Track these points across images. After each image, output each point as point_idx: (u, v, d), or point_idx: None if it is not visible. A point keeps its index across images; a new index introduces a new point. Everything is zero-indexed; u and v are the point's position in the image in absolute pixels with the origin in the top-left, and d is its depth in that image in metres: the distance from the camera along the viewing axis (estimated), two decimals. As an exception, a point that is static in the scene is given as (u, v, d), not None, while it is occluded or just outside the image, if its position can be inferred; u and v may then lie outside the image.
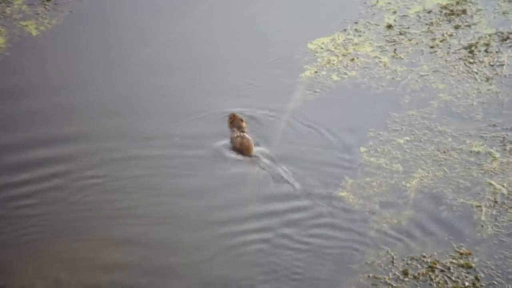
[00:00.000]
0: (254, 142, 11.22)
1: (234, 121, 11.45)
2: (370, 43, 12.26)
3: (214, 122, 11.31)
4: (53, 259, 9.62)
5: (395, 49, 12.15)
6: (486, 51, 12.00)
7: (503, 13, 12.53)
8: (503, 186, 10.29)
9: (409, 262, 9.61)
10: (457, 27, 12.39)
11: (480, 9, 12.60)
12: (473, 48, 12.05)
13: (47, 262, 9.58)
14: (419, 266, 9.56)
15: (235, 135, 11.28)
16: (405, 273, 9.50)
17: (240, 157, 11.08)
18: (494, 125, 11.02)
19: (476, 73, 11.72)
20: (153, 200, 10.30)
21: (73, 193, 10.27)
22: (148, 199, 10.30)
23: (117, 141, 10.94)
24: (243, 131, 11.35)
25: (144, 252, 9.80)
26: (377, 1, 12.91)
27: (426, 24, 12.50)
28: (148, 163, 10.71)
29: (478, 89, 11.53)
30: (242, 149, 11.20)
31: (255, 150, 11.13)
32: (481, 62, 11.85)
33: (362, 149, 10.85)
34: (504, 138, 10.83)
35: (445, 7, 12.69)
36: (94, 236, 9.84)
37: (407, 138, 10.96)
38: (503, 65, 11.79)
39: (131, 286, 9.49)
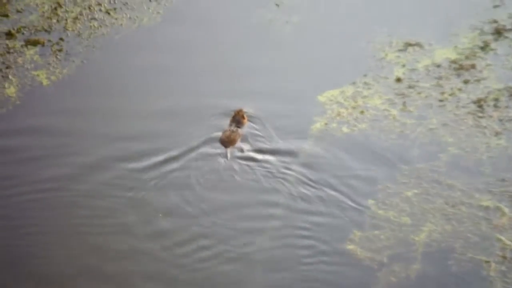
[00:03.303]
0: (243, 140, 11.65)
1: (236, 116, 11.83)
2: (379, 96, 12.30)
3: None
4: None
5: (404, 102, 12.18)
6: (495, 105, 12.02)
7: (512, 68, 12.61)
8: (513, 242, 10.26)
9: (417, 317, 9.57)
10: (466, 82, 12.43)
11: (489, 64, 12.64)
12: (482, 102, 12.07)
13: None
14: (427, 321, 9.51)
15: (229, 128, 11.67)
16: (413, 328, 9.45)
17: (220, 148, 11.53)
18: (503, 180, 10.99)
19: (485, 127, 11.73)
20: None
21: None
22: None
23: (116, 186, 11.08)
24: (238, 127, 11.70)
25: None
26: (386, 55, 12.98)
27: (435, 78, 12.54)
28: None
29: (487, 143, 11.52)
30: (225, 141, 11.57)
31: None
32: (490, 116, 11.86)
33: (371, 201, 10.83)
34: (513, 193, 10.83)
35: (454, 62, 12.74)
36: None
37: (416, 191, 10.95)
38: (512, 119, 11.84)
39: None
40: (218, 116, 11.93)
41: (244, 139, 11.71)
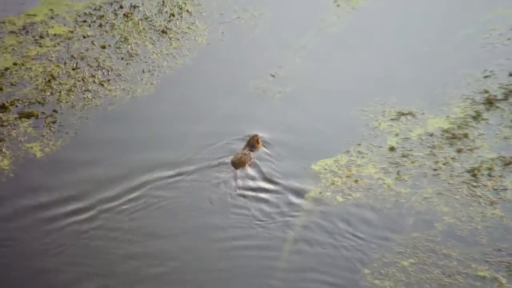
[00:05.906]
0: (253, 163, 12.13)
1: (251, 140, 12.37)
2: (373, 165, 12.33)
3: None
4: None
5: (398, 171, 12.20)
6: (489, 175, 12.05)
7: (505, 138, 12.63)
8: (511, 313, 10.19)
9: None
10: (459, 151, 12.48)
11: (482, 134, 12.72)
12: (476, 171, 12.11)
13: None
14: None
15: (242, 152, 12.19)
16: None
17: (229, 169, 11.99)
18: (499, 250, 10.96)
19: (480, 196, 11.74)
20: None
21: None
22: None
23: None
24: (251, 150, 12.24)
25: None
26: (379, 124, 13.04)
27: (429, 147, 12.59)
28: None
29: (482, 213, 11.52)
30: (236, 162, 12.03)
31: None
32: (485, 186, 11.89)
33: (366, 271, 10.78)
34: (510, 263, 10.76)
35: (446, 131, 12.81)
36: None
37: (412, 260, 10.90)
38: (506, 189, 11.82)
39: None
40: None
41: (254, 164, 12.24)
